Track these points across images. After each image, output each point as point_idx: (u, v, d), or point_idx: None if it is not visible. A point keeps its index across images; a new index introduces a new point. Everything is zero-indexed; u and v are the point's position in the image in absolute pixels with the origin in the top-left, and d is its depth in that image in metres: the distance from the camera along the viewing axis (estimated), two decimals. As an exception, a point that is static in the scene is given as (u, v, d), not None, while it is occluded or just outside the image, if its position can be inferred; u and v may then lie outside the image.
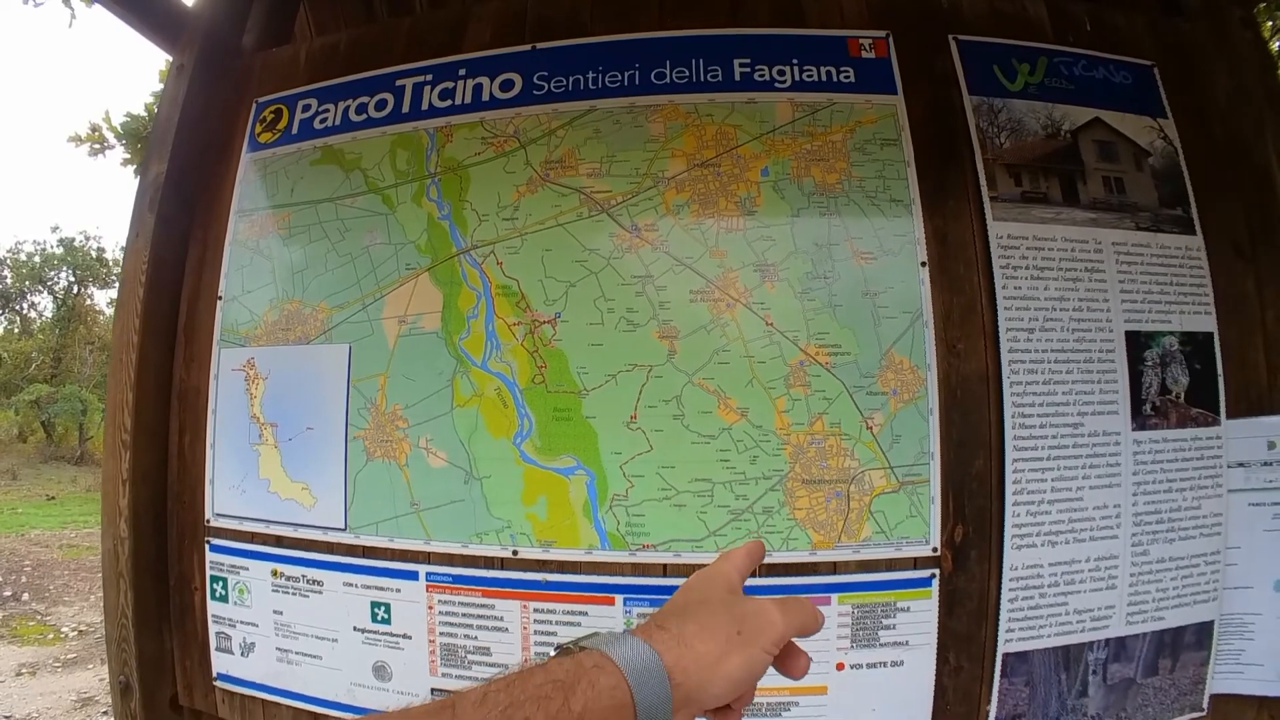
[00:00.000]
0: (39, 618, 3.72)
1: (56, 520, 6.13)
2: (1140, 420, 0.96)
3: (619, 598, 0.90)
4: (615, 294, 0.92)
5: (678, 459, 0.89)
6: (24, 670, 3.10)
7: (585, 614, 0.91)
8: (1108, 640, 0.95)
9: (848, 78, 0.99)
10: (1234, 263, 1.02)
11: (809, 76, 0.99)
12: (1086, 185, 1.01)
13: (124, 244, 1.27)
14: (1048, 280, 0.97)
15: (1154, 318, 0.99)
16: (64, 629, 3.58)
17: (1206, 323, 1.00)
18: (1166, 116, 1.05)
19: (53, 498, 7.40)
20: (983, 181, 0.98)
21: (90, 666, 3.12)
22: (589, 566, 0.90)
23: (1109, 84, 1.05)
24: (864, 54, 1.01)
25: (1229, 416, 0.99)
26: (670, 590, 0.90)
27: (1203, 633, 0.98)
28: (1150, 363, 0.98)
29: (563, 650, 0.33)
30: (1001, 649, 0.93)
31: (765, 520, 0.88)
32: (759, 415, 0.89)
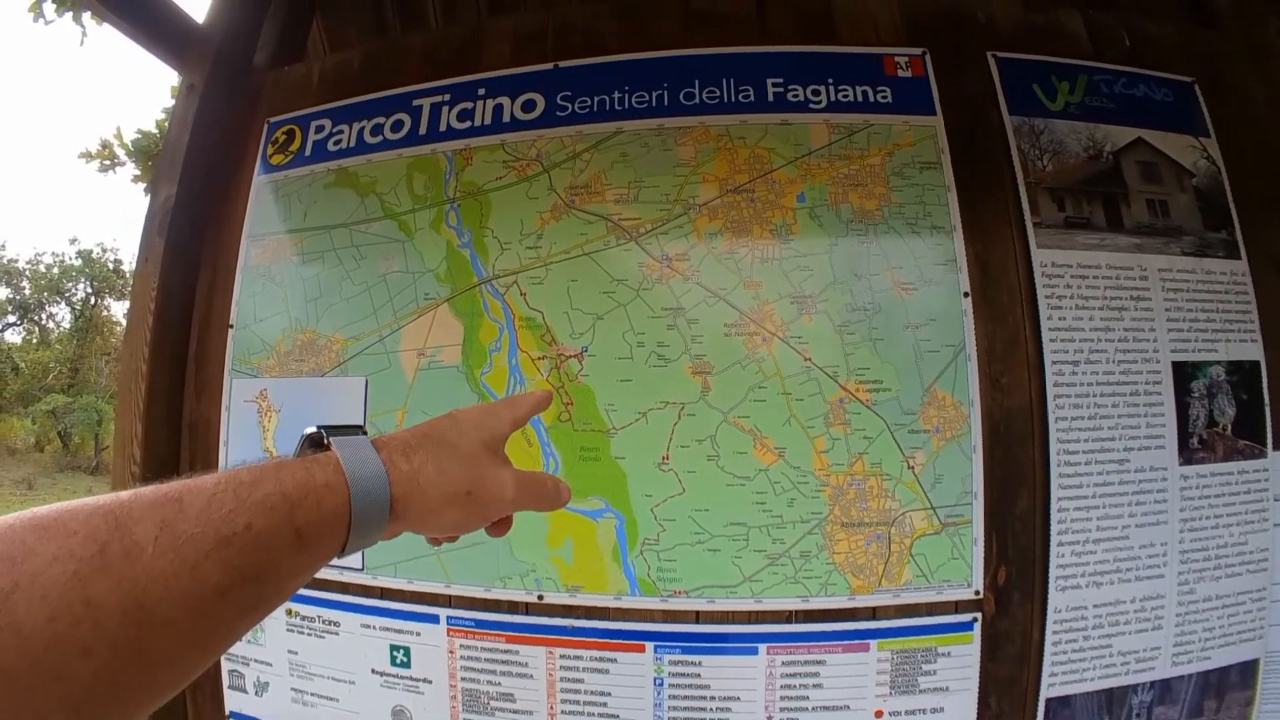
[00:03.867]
0: None
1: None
2: (1187, 454, 0.88)
3: (650, 645, 0.81)
4: (645, 327, 0.83)
5: (712, 502, 0.80)
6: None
7: (614, 660, 0.82)
8: (1153, 683, 0.87)
9: (885, 98, 0.90)
10: (1277, 283, 0.93)
11: (844, 96, 0.89)
12: (1130, 209, 0.92)
13: (135, 261, 1.17)
14: (1092, 310, 0.88)
15: (1200, 347, 0.90)
16: None
17: (1253, 351, 0.92)
18: (1209, 135, 0.96)
19: (73, 502, 7.27)
20: (1025, 206, 0.89)
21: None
22: (618, 613, 0.82)
23: (1150, 102, 0.96)
24: (900, 72, 0.91)
25: (1275, 448, 0.90)
26: (704, 637, 0.81)
27: (1247, 671, 0.90)
28: (1197, 394, 0.89)
29: (310, 441, 0.32)
30: (1044, 694, 0.84)
31: (803, 565, 0.80)
32: (797, 456, 0.80)
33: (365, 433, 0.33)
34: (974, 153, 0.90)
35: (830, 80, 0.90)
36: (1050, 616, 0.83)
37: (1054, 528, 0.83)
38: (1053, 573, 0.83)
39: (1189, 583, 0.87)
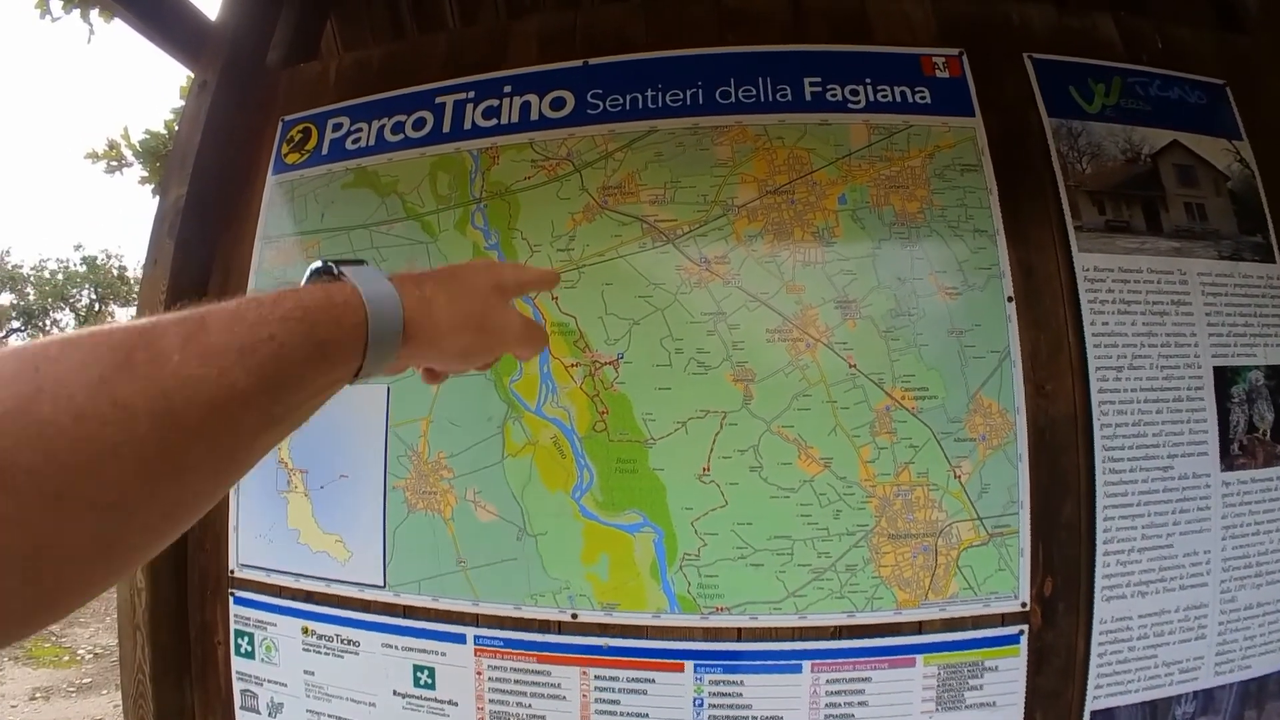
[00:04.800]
0: (54, 639, 3.40)
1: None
2: (1229, 460, 0.84)
3: (689, 664, 0.75)
4: (684, 333, 0.77)
5: (755, 515, 0.74)
6: (38, 694, 2.82)
7: (652, 681, 0.76)
8: (1195, 693, 0.83)
9: (923, 98, 0.85)
10: (1311, 289, 0.90)
11: (883, 97, 0.84)
12: (1169, 212, 0.88)
13: (143, 263, 1.08)
14: (1134, 315, 0.83)
15: (1239, 352, 0.86)
16: (80, 651, 3.30)
17: (1290, 356, 0.87)
18: (1241, 138, 0.92)
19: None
20: (1066, 210, 0.84)
21: (105, 692, 2.85)
22: (656, 631, 0.76)
23: (1184, 104, 0.92)
24: (938, 73, 0.87)
25: (1313, 454, 0.86)
26: (746, 655, 0.75)
27: (1286, 679, 0.86)
28: (1237, 399, 0.85)
29: (318, 272, 0.31)
30: (1089, 707, 0.80)
31: (849, 579, 0.74)
32: (843, 466, 0.75)
33: (368, 264, 0.32)
34: (1014, 155, 0.85)
35: (868, 80, 0.85)
36: (1096, 628, 0.79)
37: (1099, 537, 0.79)
38: (1098, 583, 0.79)
39: (1230, 590, 0.83)
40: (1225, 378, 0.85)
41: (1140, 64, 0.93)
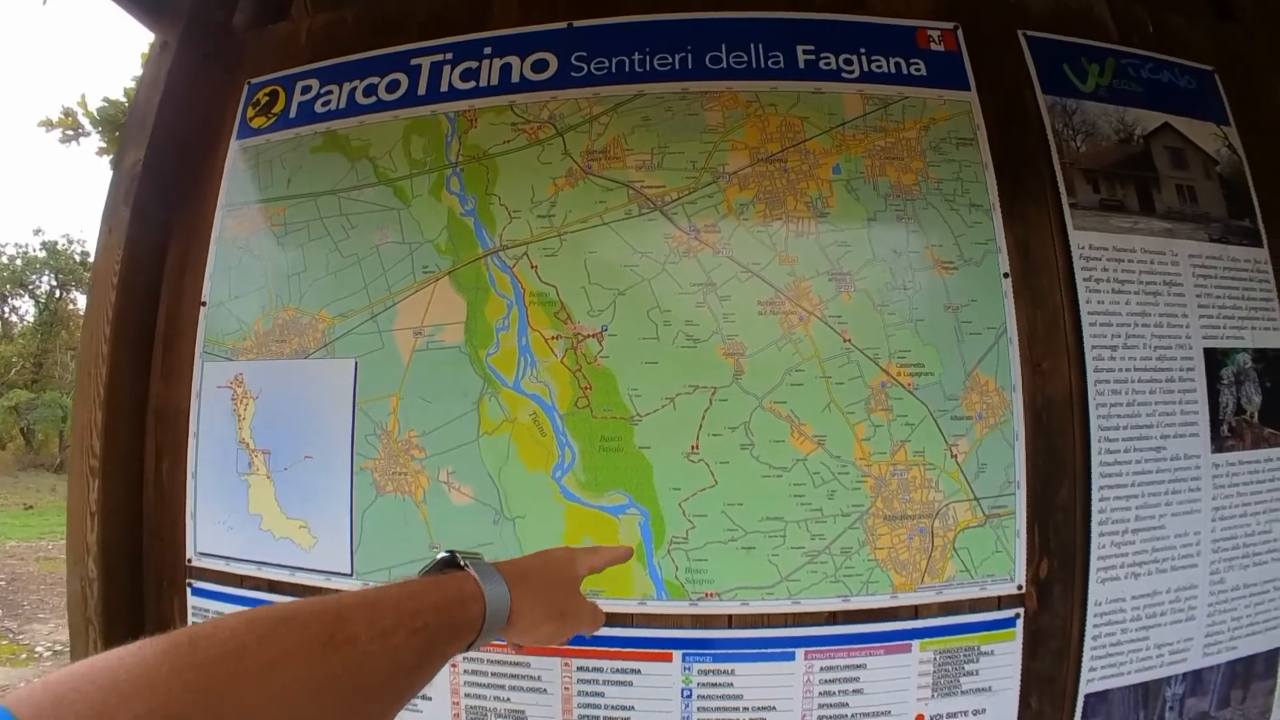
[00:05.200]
0: (11, 636, 3.20)
1: (34, 530, 5.47)
2: (1219, 442, 0.82)
3: (677, 653, 0.70)
4: (672, 304, 0.72)
5: (746, 495, 0.70)
6: (-7, 693, 2.65)
7: (638, 671, 0.71)
8: (1185, 674, 0.81)
9: (918, 70, 0.81)
10: (1296, 273, 0.88)
11: (878, 67, 0.81)
12: (1161, 193, 0.86)
13: (98, 232, 0.99)
14: (1128, 294, 0.81)
15: (1228, 334, 0.85)
16: (38, 648, 3.09)
17: (1276, 339, 0.87)
18: (1230, 124, 0.91)
19: (30, 507, 6.64)
20: (1062, 187, 0.82)
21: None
22: (642, 619, 0.71)
23: (1175, 88, 0.91)
24: (933, 46, 0.83)
25: (1298, 436, 0.85)
26: (737, 643, 0.70)
27: (1271, 660, 0.85)
28: (1226, 381, 0.84)
29: (444, 562, 0.41)
30: (1083, 690, 0.77)
31: (844, 562, 0.70)
32: (837, 444, 0.70)
33: (483, 557, 0.42)
34: (1009, 130, 0.83)
35: (863, 50, 0.82)
36: (1091, 610, 0.76)
37: (1095, 518, 0.77)
38: (1093, 564, 0.76)
39: (1219, 572, 0.82)
40: (1215, 359, 0.83)
41: (1132, 46, 0.91)
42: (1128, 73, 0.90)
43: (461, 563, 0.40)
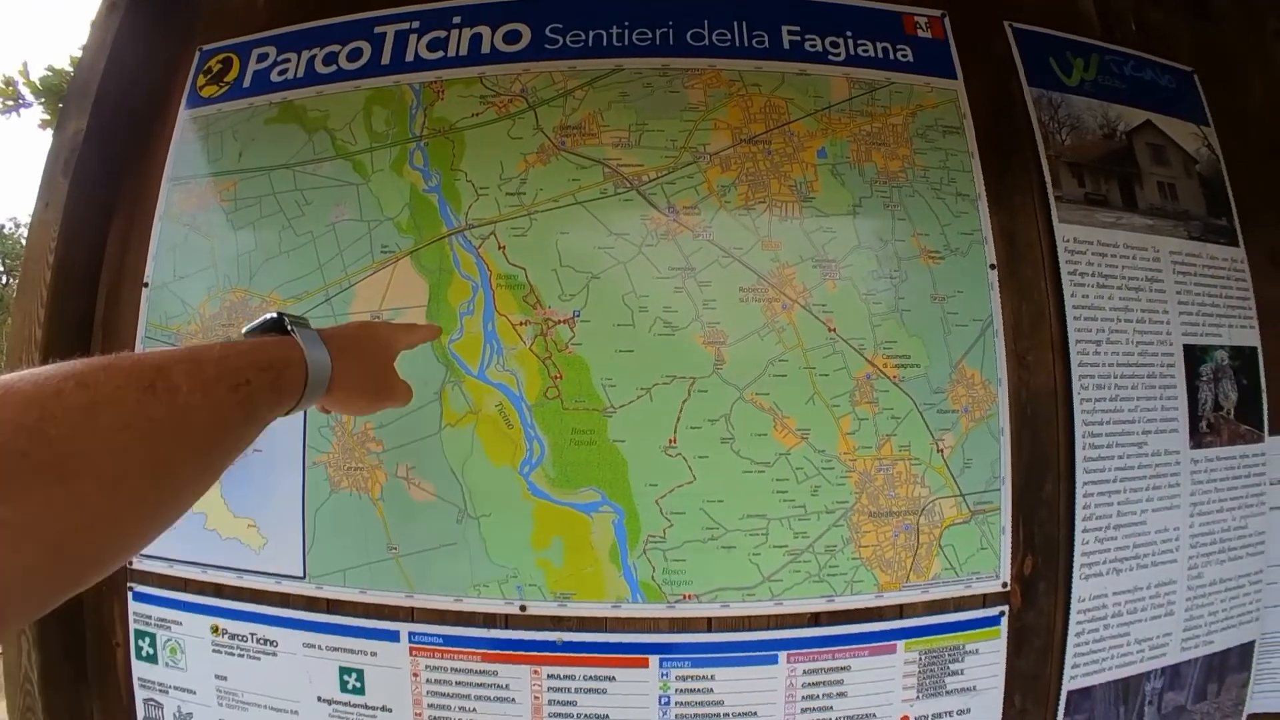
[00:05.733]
0: None
1: None
2: (1197, 438, 0.81)
3: (654, 658, 0.65)
4: (649, 289, 0.67)
5: (727, 491, 0.65)
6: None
7: (612, 678, 0.65)
8: (1164, 669, 0.79)
9: (905, 56, 0.78)
10: (1271, 272, 0.88)
11: (864, 51, 0.77)
12: (1143, 189, 0.84)
13: (34, 206, 0.90)
14: (1112, 289, 0.79)
15: (1207, 331, 0.83)
16: None
17: (1251, 337, 0.86)
18: (1208, 124, 0.89)
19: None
20: (1048, 179, 0.79)
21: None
22: (616, 623, 0.65)
23: (1156, 86, 0.89)
24: (920, 33, 0.80)
25: (1271, 433, 0.84)
26: (717, 647, 0.65)
27: (1245, 653, 0.84)
28: (1205, 378, 0.82)
29: (271, 323, 0.41)
30: (1066, 687, 0.75)
31: (828, 561, 0.66)
32: (822, 438, 0.66)
33: (309, 323, 0.42)
34: (995, 120, 0.80)
35: (849, 33, 0.78)
36: (1074, 606, 0.74)
37: (1079, 514, 0.74)
38: (1077, 561, 0.74)
39: (1197, 567, 0.80)
40: (1194, 356, 0.82)
41: (1115, 43, 0.89)
42: (1111, 69, 0.88)
43: (288, 326, 0.39)
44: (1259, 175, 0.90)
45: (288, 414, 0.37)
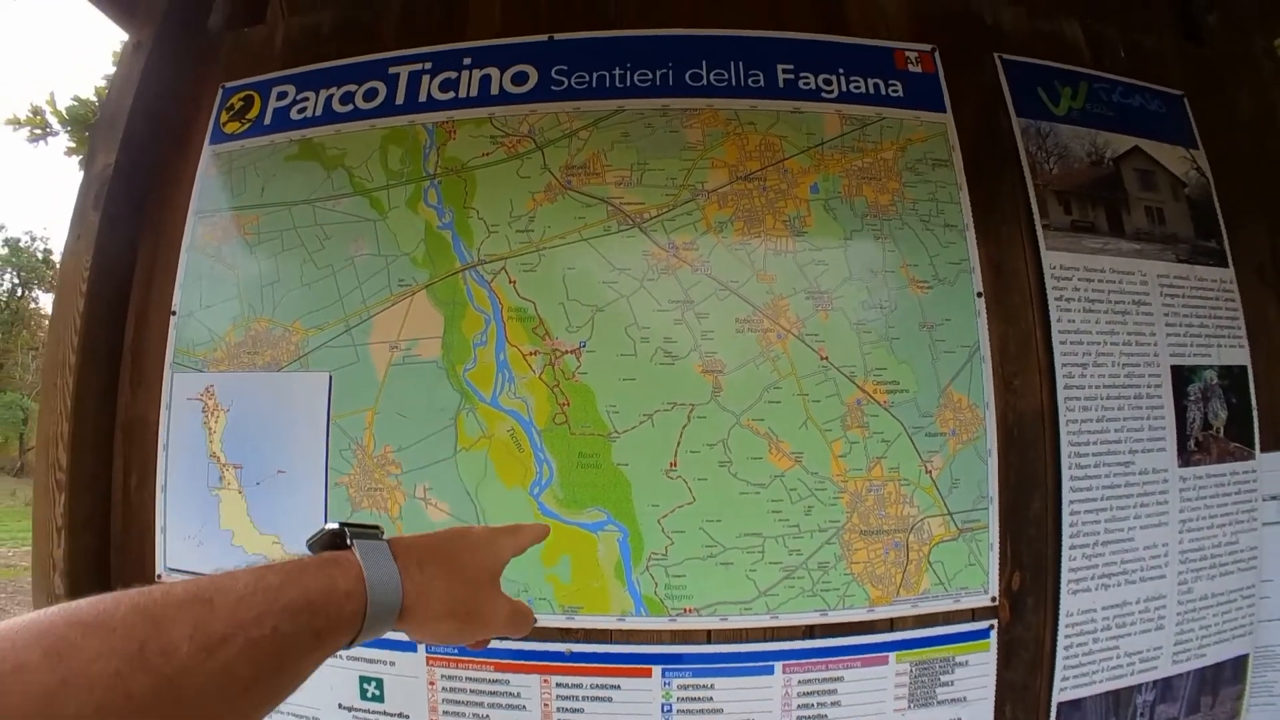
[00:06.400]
0: None
1: (-7, 535, 5.33)
2: (1185, 456, 0.87)
3: (656, 669, 0.72)
4: (650, 321, 0.75)
5: (724, 511, 0.72)
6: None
7: (617, 687, 0.72)
8: (1155, 682, 0.85)
9: (896, 91, 0.85)
10: (1259, 290, 0.94)
11: (856, 88, 0.84)
12: (1130, 215, 0.90)
13: (65, 239, 0.99)
14: (1098, 313, 0.85)
15: (1195, 352, 0.89)
16: None
17: (1241, 356, 0.92)
18: (1198, 147, 0.96)
19: (-10, 510, 6.49)
20: (1035, 208, 0.86)
21: None
22: (621, 635, 0.72)
23: (1145, 112, 0.96)
24: (910, 68, 0.87)
25: (1263, 450, 0.90)
26: (716, 658, 0.72)
27: (1239, 667, 0.90)
28: (1193, 397, 0.88)
29: (331, 536, 0.34)
30: (1056, 698, 0.81)
31: (821, 576, 0.73)
32: (814, 460, 0.73)
33: (382, 532, 0.35)
34: (984, 152, 0.87)
35: (841, 70, 0.85)
36: (1062, 620, 0.80)
37: (1065, 531, 0.80)
38: (1064, 576, 0.80)
39: (1187, 582, 0.86)
40: (1182, 376, 0.88)
41: (1105, 70, 0.96)
42: (1100, 96, 0.95)
43: (347, 540, 0.32)
44: (1248, 194, 0.96)
45: (350, 647, 0.31)
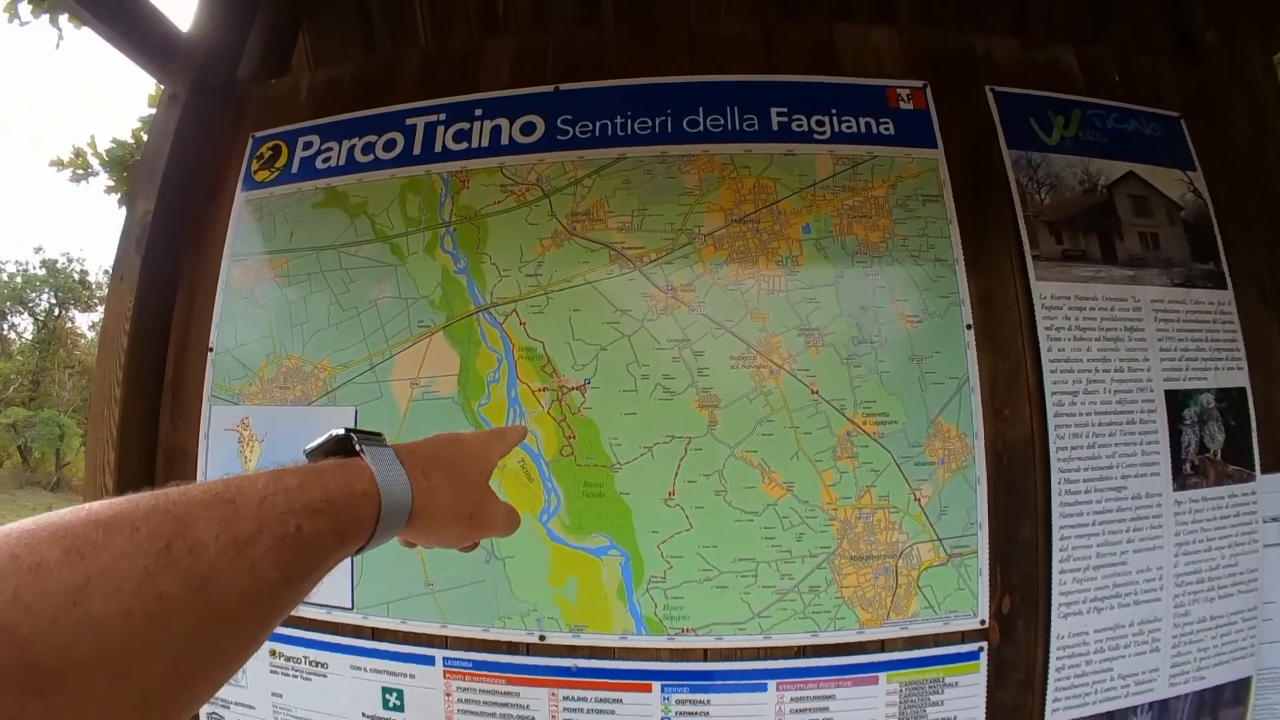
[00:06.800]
0: None
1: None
2: (1180, 480, 0.90)
3: (656, 684, 0.79)
4: (650, 359, 0.82)
5: (720, 538, 0.79)
6: None
7: (620, 701, 0.80)
8: (1151, 704, 0.89)
9: (887, 129, 0.90)
10: (1259, 309, 0.97)
11: (848, 128, 0.89)
12: (1124, 241, 0.94)
13: (107, 269, 1.13)
14: (1089, 341, 0.89)
15: (1191, 376, 0.92)
16: None
17: (1239, 378, 0.94)
18: (1195, 169, 0.99)
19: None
20: (1025, 240, 0.90)
21: None
22: (623, 652, 0.80)
23: (1140, 136, 0.99)
24: (902, 105, 0.92)
25: (1263, 471, 0.93)
26: (712, 675, 0.79)
27: (1240, 689, 0.92)
28: (1189, 421, 0.91)
29: (338, 441, 0.34)
30: (1049, 719, 0.85)
31: (812, 600, 0.79)
32: (805, 490, 0.79)
33: (385, 439, 0.36)
34: (974, 186, 0.91)
35: (834, 111, 0.90)
36: (1054, 643, 0.84)
37: (1056, 555, 0.84)
38: (1055, 600, 0.84)
39: (1184, 605, 0.89)
40: (1177, 400, 0.91)
41: (1098, 96, 1.00)
42: (1093, 123, 0.98)
43: (356, 446, 0.33)
44: (1247, 213, 0.99)
45: (358, 553, 0.32)
